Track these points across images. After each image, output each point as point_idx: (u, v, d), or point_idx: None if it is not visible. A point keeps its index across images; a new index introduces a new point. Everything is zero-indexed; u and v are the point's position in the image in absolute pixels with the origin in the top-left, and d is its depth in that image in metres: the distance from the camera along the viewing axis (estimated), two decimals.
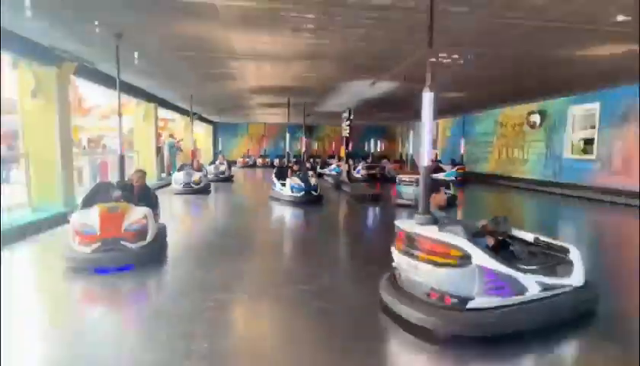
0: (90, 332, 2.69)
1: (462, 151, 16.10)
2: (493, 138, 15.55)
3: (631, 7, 4.32)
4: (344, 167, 13.42)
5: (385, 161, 18.46)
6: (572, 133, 11.60)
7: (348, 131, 12.42)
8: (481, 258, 2.52)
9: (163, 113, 15.39)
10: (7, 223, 5.26)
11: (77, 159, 9.63)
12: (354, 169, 15.21)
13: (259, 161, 22.40)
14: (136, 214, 4.16)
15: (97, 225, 3.90)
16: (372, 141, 22.79)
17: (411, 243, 2.79)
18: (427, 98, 3.24)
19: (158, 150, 12.61)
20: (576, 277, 2.84)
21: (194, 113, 18.08)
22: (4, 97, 12.05)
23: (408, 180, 8.59)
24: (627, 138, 9.60)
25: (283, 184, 9.16)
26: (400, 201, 8.62)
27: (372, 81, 9.33)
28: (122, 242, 3.92)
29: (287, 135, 13.34)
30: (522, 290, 2.57)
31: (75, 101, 17.52)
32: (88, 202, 4.39)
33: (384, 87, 10.07)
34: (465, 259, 2.51)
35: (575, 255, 2.92)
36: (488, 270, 2.51)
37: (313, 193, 8.90)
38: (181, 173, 10.66)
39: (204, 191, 10.70)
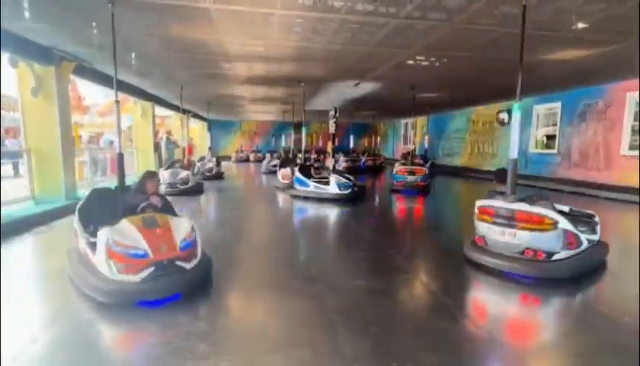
0: None
1: (426, 146, 16.20)
2: (466, 134, 15.77)
3: (590, 15, 4.41)
4: (330, 161, 13.44)
5: (362, 155, 18.72)
6: (536, 129, 11.86)
7: (334, 128, 12.40)
8: (564, 224, 3.39)
9: (160, 111, 15.13)
10: (10, 215, 5.12)
11: (83, 155, 9.44)
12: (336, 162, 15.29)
13: (251, 156, 22.34)
14: (183, 226, 3.15)
15: (145, 244, 2.83)
16: (352, 137, 22.77)
17: (503, 216, 3.62)
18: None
19: (156, 147, 12.36)
20: (598, 234, 3.78)
21: (189, 111, 17.83)
22: (5, 94, 11.71)
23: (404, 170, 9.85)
24: (584, 134, 9.87)
25: (321, 182, 8.31)
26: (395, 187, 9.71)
27: (356, 83, 9.33)
28: (177, 263, 2.93)
29: (303, 130, 11.73)
30: (580, 244, 3.46)
31: (75, 99, 17.01)
32: (87, 213, 3.47)
33: (367, 87, 10.08)
34: (554, 225, 3.37)
35: (597, 218, 3.89)
36: (568, 232, 3.39)
37: (355, 189, 8.34)
38: (167, 172, 8.87)
39: (193, 191, 8.86)
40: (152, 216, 3.15)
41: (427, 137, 16.19)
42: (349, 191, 8.08)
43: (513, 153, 3.67)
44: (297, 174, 8.68)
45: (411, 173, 9.70)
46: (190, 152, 15.56)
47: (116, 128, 4.09)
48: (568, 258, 3.39)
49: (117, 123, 4.06)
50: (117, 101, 4.06)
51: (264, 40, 5.72)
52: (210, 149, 15.49)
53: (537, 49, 5.97)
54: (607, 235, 4.16)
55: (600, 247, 3.78)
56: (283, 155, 16.45)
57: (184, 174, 8.87)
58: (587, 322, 2.76)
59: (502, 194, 3.80)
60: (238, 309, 2.95)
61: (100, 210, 3.51)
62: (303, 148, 13.05)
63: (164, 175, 8.58)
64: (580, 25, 4.71)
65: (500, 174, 4.19)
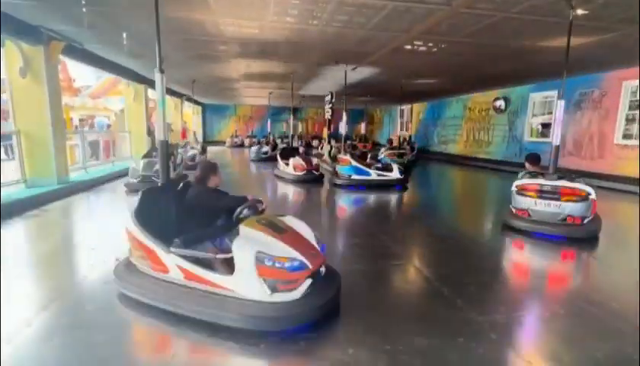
0: None
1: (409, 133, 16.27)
2: (462, 121, 15.74)
3: (589, 1, 4.36)
4: (326, 147, 13.38)
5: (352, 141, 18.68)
6: (532, 117, 11.87)
7: (330, 113, 12.30)
8: (593, 195, 4.35)
9: (154, 94, 14.86)
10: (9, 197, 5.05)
11: (73, 138, 9.27)
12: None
13: (246, 141, 22.11)
14: (302, 227, 2.71)
15: (296, 253, 2.34)
16: (347, 124, 22.66)
17: (549, 191, 4.49)
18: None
19: (149, 130, 12.19)
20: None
21: (183, 95, 17.54)
22: None
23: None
24: (579, 123, 9.91)
25: (378, 167, 8.35)
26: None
27: (353, 67, 9.20)
28: (321, 270, 2.53)
29: (346, 115, 10.59)
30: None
31: (65, 80, 16.62)
32: (147, 221, 2.64)
33: (364, 73, 9.96)
34: (587, 196, 4.34)
35: (593, 194, 4.40)
36: (594, 201, 4.37)
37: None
38: (143, 161, 7.34)
39: None
40: (270, 219, 2.63)
41: (410, 124, 16.22)
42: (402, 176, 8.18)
43: (556, 140, 4.91)
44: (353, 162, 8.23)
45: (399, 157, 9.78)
46: (185, 136, 15.35)
47: (161, 116, 3.68)
48: (589, 222, 4.38)
49: (162, 113, 3.66)
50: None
51: (260, 22, 5.59)
52: (195, 133, 14.14)
53: (535, 37, 5.92)
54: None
55: (598, 218, 4.60)
56: (272, 141, 16.14)
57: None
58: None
59: (537, 175, 4.82)
60: None
61: (159, 215, 2.84)
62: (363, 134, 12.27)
63: (140, 165, 7.27)
64: (580, 12, 4.66)
65: (531, 158, 5.30)
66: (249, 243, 2.29)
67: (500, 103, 13.00)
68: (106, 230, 4.60)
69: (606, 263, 3.95)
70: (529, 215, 4.60)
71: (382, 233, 4.67)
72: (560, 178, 4.56)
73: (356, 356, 2.04)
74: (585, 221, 4.35)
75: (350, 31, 5.94)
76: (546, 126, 11.45)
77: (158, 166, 7.52)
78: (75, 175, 7.69)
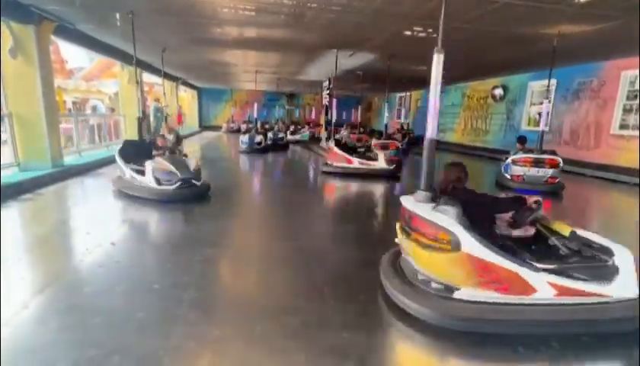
0: None
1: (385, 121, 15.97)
2: (460, 110, 15.67)
3: None
4: (324, 134, 13.30)
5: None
6: (530, 106, 11.84)
7: (328, 99, 12.18)
8: (562, 164, 6.77)
9: (149, 78, 14.60)
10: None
11: (68, 121, 9.13)
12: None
13: (243, 127, 21.88)
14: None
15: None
16: (344, 111, 22.39)
17: (537, 161, 6.73)
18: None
19: (144, 114, 11.99)
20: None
21: (179, 78, 17.25)
22: None
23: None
24: (577, 112, 9.90)
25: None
26: None
27: (350, 53, 9.07)
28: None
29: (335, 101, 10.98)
30: None
31: (58, 62, 16.26)
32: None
33: (362, 58, 9.83)
34: (559, 164, 6.77)
35: (561, 163, 6.20)
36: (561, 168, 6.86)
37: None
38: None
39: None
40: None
41: (402, 110, 16.03)
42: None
43: (542, 126, 7.28)
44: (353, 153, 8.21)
45: (385, 147, 9.59)
46: (180, 120, 15.15)
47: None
48: (559, 181, 6.70)
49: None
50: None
51: (256, 4, 5.47)
52: (167, 119, 11.60)
53: (537, 24, 5.84)
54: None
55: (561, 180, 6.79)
56: (262, 129, 14.84)
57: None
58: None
59: (529, 151, 6.95)
60: None
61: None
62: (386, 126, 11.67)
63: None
64: None
65: (521, 139, 7.46)
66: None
67: (499, 91, 12.94)
68: (100, 215, 4.59)
69: (568, 201, 6.47)
70: (523, 179, 6.75)
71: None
72: (544, 152, 6.88)
73: None
74: (557, 181, 6.72)
75: (349, 16, 5.83)
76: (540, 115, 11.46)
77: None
78: (70, 159, 7.61)
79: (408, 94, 19.63)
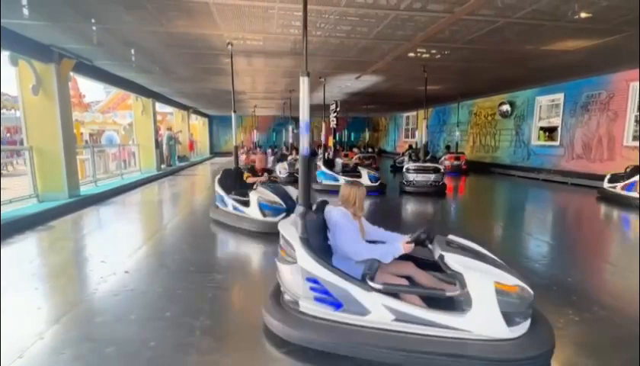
0: None
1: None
2: (467, 127, 15.67)
3: (593, 4, 4.36)
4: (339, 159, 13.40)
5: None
6: (538, 121, 11.78)
7: (335, 122, 12.35)
8: (442, 169, 8.73)
9: (161, 107, 15.11)
10: (13, 214, 5.14)
11: (83, 152, 9.43)
12: None
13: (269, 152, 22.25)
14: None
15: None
16: (352, 132, 22.65)
17: (422, 168, 8.46)
18: None
19: (157, 143, 12.36)
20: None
21: (190, 107, 17.80)
22: (4, 93, 11.69)
23: None
24: (587, 125, 9.80)
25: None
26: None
27: (356, 76, 9.27)
28: None
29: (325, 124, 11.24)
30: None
31: (76, 96, 17.01)
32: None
33: (368, 81, 10.02)
34: (440, 170, 8.58)
35: (442, 168, 7.03)
36: (443, 173, 8.82)
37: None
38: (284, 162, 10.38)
39: None
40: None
41: (415, 131, 15.95)
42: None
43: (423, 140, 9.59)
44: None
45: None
46: (192, 148, 15.50)
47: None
48: (442, 184, 8.42)
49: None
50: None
51: (264, 34, 5.69)
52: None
53: (541, 40, 5.91)
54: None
55: (444, 182, 8.57)
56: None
57: None
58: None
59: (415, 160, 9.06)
60: None
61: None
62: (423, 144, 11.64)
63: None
64: (583, 15, 4.65)
65: (415, 150, 9.68)
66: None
67: (506, 107, 12.94)
68: (115, 243, 4.65)
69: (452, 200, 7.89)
70: (414, 184, 8.36)
71: None
72: (427, 160, 9.02)
73: None
74: (440, 183, 8.36)
75: (353, 41, 6.00)
76: (548, 130, 11.40)
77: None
78: (86, 189, 7.81)
79: (414, 113, 19.77)
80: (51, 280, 3.48)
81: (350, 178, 8.00)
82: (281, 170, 10.53)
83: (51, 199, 6.36)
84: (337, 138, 17.47)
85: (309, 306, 2.18)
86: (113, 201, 7.48)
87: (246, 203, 5.00)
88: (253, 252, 4.45)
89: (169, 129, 15.57)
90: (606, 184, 7.59)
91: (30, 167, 6.41)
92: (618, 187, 7.15)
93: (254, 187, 5.22)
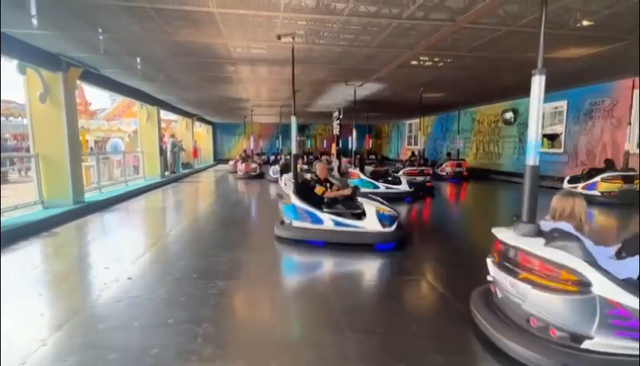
0: None
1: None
2: (470, 134, 15.66)
3: (595, 12, 4.38)
4: (335, 162, 13.41)
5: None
6: (542, 128, 11.73)
7: (339, 129, 12.39)
8: (431, 172, 11.38)
9: (165, 115, 15.24)
10: (18, 220, 5.17)
11: (88, 159, 9.50)
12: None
13: (256, 159, 22.29)
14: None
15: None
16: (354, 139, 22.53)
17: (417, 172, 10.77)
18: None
19: (161, 150, 12.45)
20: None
21: (194, 115, 17.94)
22: (11, 100, 11.85)
23: None
24: (591, 132, 9.77)
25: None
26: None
27: (359, 84, 9.32)
28: None
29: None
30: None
31: (82, 104, 17.22)
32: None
33: (371, 89, 10.07)
34: (429, 173, 11.02)
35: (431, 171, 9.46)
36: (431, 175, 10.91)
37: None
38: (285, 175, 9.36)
39: None
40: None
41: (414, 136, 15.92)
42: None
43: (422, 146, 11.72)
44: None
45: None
46: (196, 154, 15.57)
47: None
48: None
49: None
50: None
51: (268, 43, 5.75)
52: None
53: (543, 48, 5.91)
54: None
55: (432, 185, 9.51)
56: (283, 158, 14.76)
57: None
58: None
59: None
60: None
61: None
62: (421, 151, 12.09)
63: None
64: (585, 23, 4.67)
65: (417, 157, 11.23)
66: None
67: (509, 115, 12.94)
68: (119, 250, 4.66)
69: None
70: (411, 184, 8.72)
71: None
72: (420, 165, 10.80)
73: None
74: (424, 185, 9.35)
75: (356, 49, 6.05)
76: (554, 136, 11.36)
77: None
78: (90, 195, 7.86)
79: (417, 120, 19.79)
80: (54, 286, 3.49)
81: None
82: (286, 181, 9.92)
83: (56, 205, 6.40)
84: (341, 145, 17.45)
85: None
86: (117, 208, 7.51)
87: (359, 216, 4.62)
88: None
89: (173, 136, 15.68)
90: (566, 185, 8.17)
91: (36, 173, 6.47)
92: (579, 187, 7.75)
93: (338, 200, 4.89)
